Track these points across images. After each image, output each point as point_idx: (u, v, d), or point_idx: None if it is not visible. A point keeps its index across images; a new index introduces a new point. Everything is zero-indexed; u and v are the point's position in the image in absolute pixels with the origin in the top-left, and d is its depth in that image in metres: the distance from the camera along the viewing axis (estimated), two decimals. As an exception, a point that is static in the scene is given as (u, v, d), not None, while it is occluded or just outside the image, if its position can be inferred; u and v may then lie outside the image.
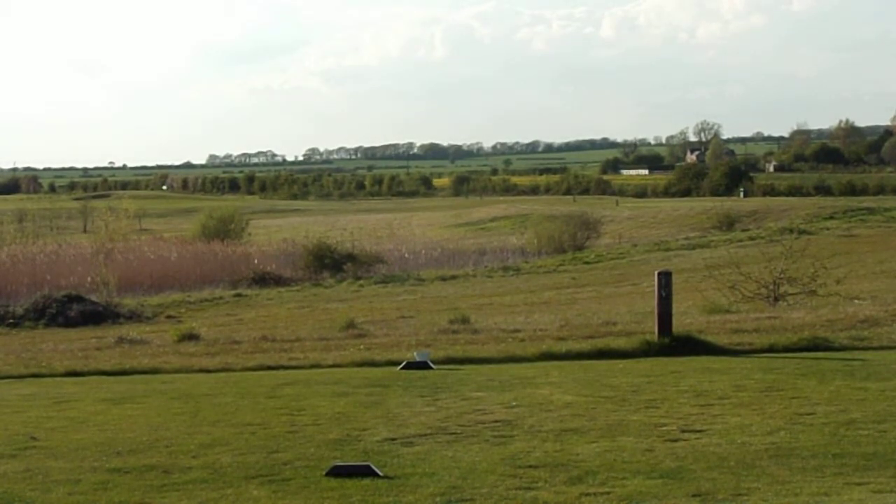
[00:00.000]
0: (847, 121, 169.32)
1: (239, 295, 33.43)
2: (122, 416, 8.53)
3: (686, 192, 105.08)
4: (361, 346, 14.20)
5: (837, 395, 8.41)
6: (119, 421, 8.29)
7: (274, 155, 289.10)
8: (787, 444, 6.59)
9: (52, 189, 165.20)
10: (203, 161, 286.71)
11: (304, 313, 26.24)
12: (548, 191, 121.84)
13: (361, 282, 37.06)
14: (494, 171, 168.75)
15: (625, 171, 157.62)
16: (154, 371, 12.43)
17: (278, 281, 37.68)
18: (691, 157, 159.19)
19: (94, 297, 27.74)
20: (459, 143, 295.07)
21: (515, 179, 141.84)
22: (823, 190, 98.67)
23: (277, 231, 66.71)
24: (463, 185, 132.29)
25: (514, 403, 8.50)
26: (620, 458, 6.28)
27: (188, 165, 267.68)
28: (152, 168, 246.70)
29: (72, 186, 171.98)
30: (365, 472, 5.97)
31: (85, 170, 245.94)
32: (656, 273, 13.05)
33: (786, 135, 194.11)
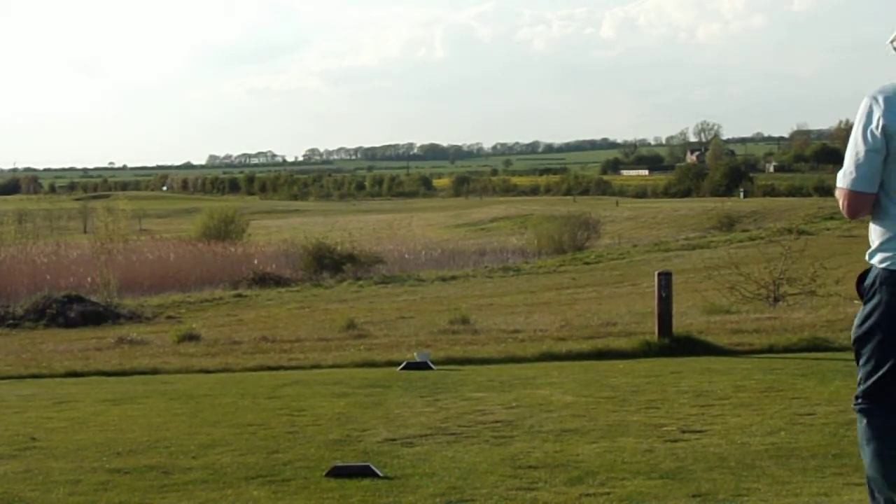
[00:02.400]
0: (847, 121, 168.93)
1: (239, 295, 33.47)
2: (122, 417, 8.52)
3: (686, 193, 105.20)
4: (361, 347, 14.20)
5: (837, 396, 8.40)
6: (119, 421, 8.28)
7: (274, 155, 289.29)
8: (787, 444, 6.59)
9: (53, 189, 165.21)
10: (203, 161, 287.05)
11: (304, 314, 26.25)
12: (548, 191, 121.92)
13: (361, 282, 37.10)
14: (494, 172, 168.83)
15: (625, 172, 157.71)
16: (154, 371, 12.43)
17: (278, 281, 37.73)
18: (691, 158, 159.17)
19: (94, 298, 27.76)
20: (459, 143, 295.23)
21: (515, 180, 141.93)
22: (823, 190, 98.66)
23: (277, 231, 66.76)
24: (463, 186, 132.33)
25: (514, 404, 8.49)
26: (620, 458, 6.28)
27: (188, 166, 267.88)
28: (152, 168, 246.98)
29: (72, 187, 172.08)
30: (365, 472, 5.97)
31: (85, 170, 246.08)
32: (656, 273, 13.06)
33: (786, 135, 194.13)
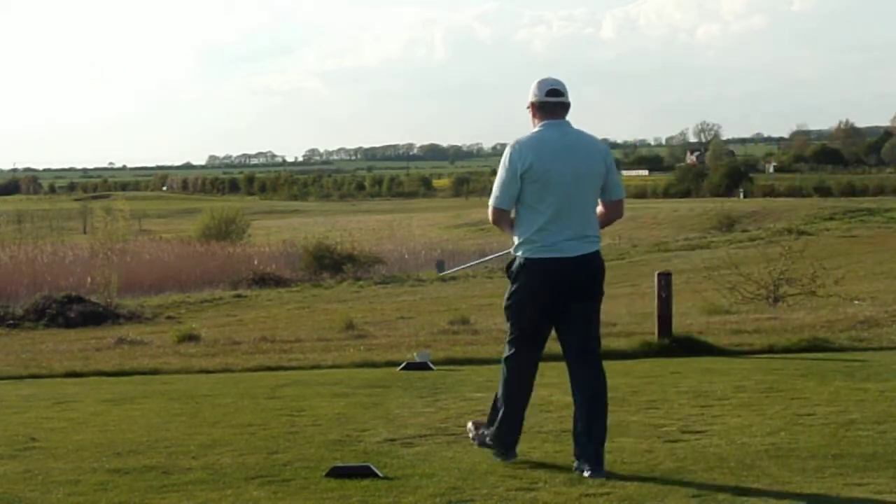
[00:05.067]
0: (847, 122, 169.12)
1: (239, 296, 33.46)
2: (121, 417, 8.52)
3: (686, 193, 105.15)
4: (361, 347, 14.19)
5: (837, 396, 8.40)
6: (119, 422, 8.28)
7: (274, 156, 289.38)
8: (786, 444, 6.59)
9: (52, 190, 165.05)
10: (203, 162, 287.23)
11: (303, 314, 26.25)
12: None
13: (361, 282, 37.11)
14: (494, 172, 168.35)
15: (625, 172, 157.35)
16: (154, 372, 12.41)
17: (278, 282, 37.70)
18: (691, 158, 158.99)
19: (93, 298, 27.73)
20: (459, 143, 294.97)
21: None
22: (823, 191, 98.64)
23: (277, 232, 66.71)
24: (463, 186, 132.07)
25: (513, 404, 8.47)
26: (620, 458, 6.28)
27: (188, 166, 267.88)
28: (152, 169, 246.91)
29: (72, 187, 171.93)
30: (365, 472, 5.97)
31: (85, 170, 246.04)
32: (656, 274, 13.04)
33: (786, 136, 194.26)
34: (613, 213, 6.35)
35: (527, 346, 6.22)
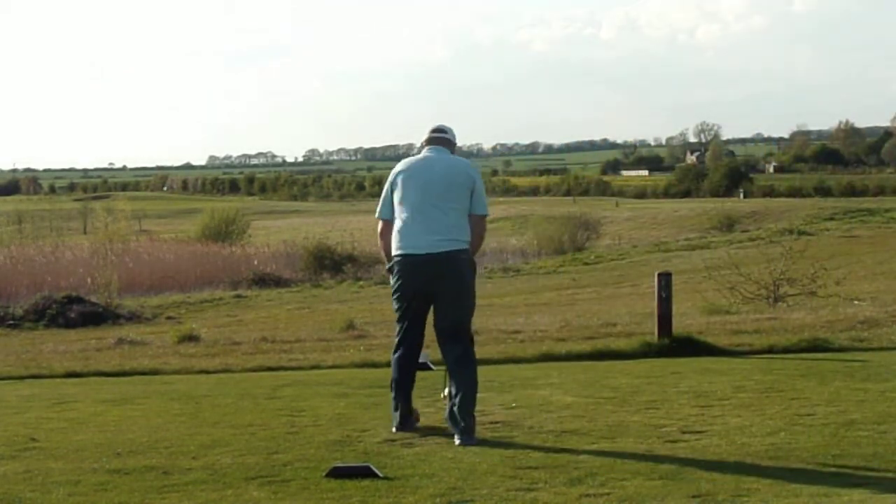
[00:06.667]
0: (847, 122, 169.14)
1: (239, 296, 33.51)
2: (121, 418, 8.52)
3: (686, 193, 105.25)
4: (361, 347, 14.18)
5: (837, 396, 8.41)
6: (119, 422, 8.28)
7: (274, 156, 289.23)
8: (786, 444, 6.59)
9: (52, 190, 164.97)
10: (203, 162, 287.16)
11: (304, 314, 26.27)
12: (548, 192, 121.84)
13: (361, 283, 37.15)
14: (494, 172, 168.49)
15: (625, 172, 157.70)
16: (154, 372, 12.40)
17: (278, 282, 37.74)
18: (691, 158, 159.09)
19: (93, 298, 27.75)
20: (459, 143, 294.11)
21: (515, 180, 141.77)
22: (823, 191, 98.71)
23: (277, 232, 66.73)
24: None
25: (514, 404, 8.49)
26: (620, 459, 6.28)
27: (188, 166, 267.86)
28: (152, 169, 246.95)
29: (72, 187, 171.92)
30: (365, 473, 5.97)
31: (85, 171, 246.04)
32: (656, 274, 13.03)
33: (786, 136, 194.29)
34: (476, 226, 7.19)
35: (409, 335, 7.33)
